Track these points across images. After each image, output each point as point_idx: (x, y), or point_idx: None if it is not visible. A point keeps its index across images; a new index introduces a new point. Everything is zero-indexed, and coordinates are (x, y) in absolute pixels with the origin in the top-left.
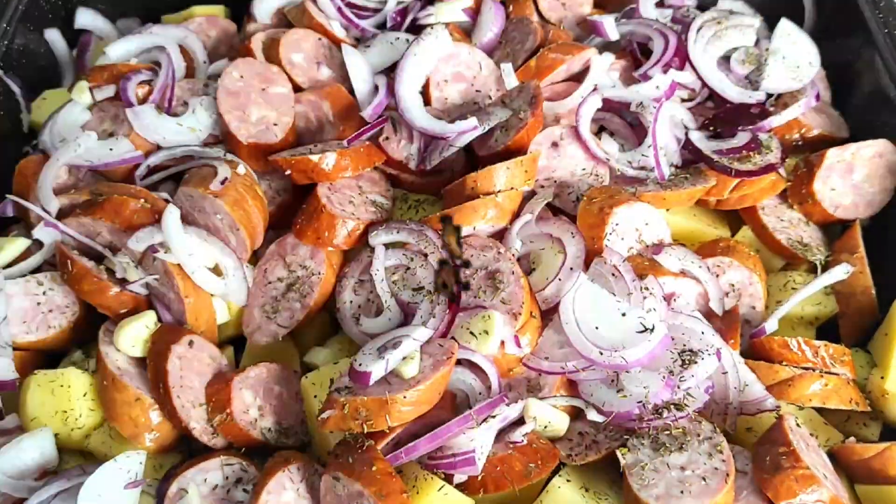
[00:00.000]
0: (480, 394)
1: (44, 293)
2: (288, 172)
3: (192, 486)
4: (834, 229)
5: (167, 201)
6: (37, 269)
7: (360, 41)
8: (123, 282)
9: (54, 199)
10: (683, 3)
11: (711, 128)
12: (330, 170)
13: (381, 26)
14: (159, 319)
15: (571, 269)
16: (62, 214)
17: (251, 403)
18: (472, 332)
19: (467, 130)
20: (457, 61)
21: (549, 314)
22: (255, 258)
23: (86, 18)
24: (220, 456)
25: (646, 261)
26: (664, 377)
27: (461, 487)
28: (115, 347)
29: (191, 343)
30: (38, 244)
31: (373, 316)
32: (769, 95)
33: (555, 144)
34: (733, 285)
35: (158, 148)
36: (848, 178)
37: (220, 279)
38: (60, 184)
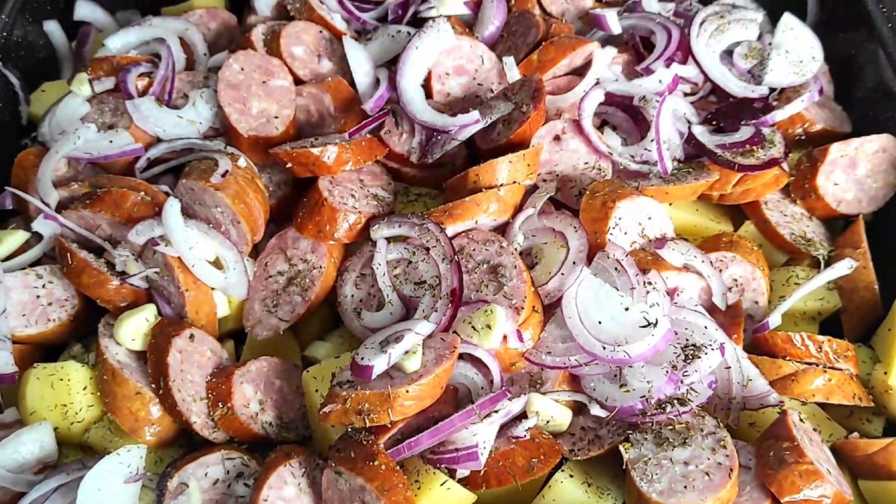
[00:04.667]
0: (483, 388)
1: (43, 286)
2: (289, 165)
3: (192, 481)
4: (837, 224)
5: (167, 194)
6: (36, 262)
7: (362, 34)
8: (123, 275)
9: (54, 192)
10: None
11: (714, 122)
12: (331, 163)
13: (383, 19)
14: (159, 313)
15: (574, 263)
16: (61, 207)
17: (252, 397)
18: (474, 327)
19: (469, 124)
20: (458, 54)
21: (551, 309)
22: (256, 252)
23: (85, 10)
24: (221, 450)
25: (649, 255)
26: (667, 372)
27: (464, 482)
28: (115, 341)
29: (191, 336)
30: (37, 237)
31: (374, 310)
32: (772, 90)
33: (557, 138)
34: (736, 280)
35: (158, 140)
36: (851, 173)
37: (221, 272)
38: (60, 176)
